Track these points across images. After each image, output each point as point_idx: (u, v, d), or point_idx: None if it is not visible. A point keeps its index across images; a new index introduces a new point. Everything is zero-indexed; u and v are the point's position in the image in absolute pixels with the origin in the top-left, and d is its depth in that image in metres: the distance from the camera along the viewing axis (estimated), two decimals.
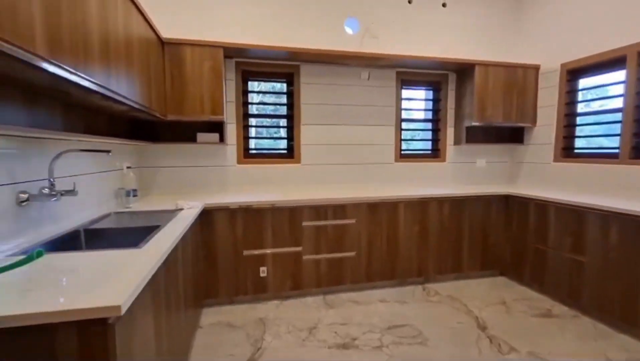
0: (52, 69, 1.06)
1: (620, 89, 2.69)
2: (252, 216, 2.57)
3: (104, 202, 2.12)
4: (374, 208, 2.82)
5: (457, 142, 3.52)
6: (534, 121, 3.38)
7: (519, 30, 3.57)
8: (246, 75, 3.09)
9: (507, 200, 3.11)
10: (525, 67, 3.31)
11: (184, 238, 1.79)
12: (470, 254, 3.11)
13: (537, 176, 3.38)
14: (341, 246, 2.78)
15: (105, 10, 1.48)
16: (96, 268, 1.10)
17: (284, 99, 3.26)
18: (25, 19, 0.95)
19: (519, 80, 3.30)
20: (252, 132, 3.25)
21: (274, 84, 3.32)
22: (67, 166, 1.71)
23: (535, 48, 3.39)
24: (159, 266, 1.21)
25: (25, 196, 1.36)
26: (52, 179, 1.46)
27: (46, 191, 1.46)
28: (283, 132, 3.31)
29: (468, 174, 3.65)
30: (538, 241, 2.81)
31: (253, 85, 3.27)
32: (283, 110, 3.28)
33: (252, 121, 3.23)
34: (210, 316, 2.45)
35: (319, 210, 2.70)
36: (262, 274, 2.63)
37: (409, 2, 3.29)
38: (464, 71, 3.37)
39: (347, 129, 3.30)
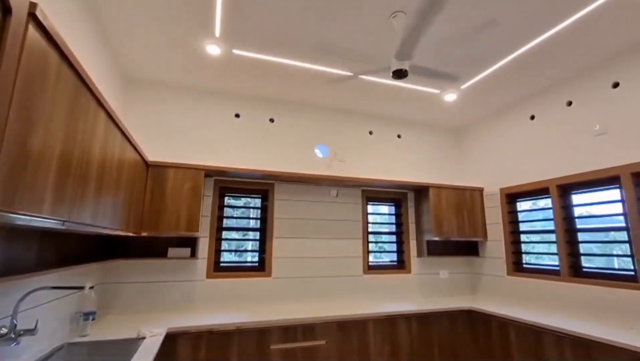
0: (48, 223, 1.16)
1: (550, 213, 3.15)
2: (217, 341, 2.45)
3: (58, 330, 1.97)
4: (343, 327, 2.79)
5: (419, 254, 3.76)
6: (485, 236, 3.75)
7: (463, 158, 4.22)
8: (223, 191, 3.30)
9: (470, 315, 3.22)
10: (471, 190, 3.81)
11: None
12: None
13: (495, 288, 3.59)
14: None
15: (105, 151, 1.66)
16: None
17: (257, 213, 3.44)
18: (42, 184, 1.08)
19: (467, 200, 3.77)
20: (225, 245, 3.31)
21: (249, 199, 3.53)
22: (29, 299, 1.65)
23: (478, 174, 3.98)
24: None
25: None
26: (14, 320, 1.40)
27: (4, 331, 1.39)
28: (255, 246, 3.40)
29: (432, 285, 3.79)
30: (505, 359, 2.85)
31: (229, 200, 3.46)
32: (256, 223, 3.43)
33: (226, 235, 3.31)
34: None
35: (289, 331, 2.64)
36: None
37: (370, 133, 3.88)
38: (420, 191, 3.82)
39: (317, 242, 3.46)
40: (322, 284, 3.38)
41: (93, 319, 2.28)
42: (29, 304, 1.65)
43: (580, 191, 2.97)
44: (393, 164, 3.92)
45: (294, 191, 3.48)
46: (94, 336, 2.10)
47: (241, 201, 3.58)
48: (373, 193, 3.81)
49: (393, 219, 3.96)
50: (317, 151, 3.65)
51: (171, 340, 2.34)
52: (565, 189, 3.05)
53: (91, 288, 2.38)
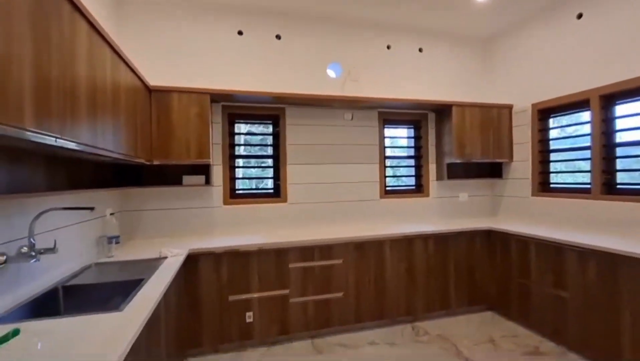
0: (39, 138, 1.09)
1: (587, 128, 2.86)
2: (238, 260, 2.55)
3: (84, 252, 2.07)
4: (360, 248, 2.83)
5: (439, 177, 3.63)
6: (510, 157, 3.54)
7: (491, 72, 3.81)
8: (232, 117, 3.17)
9: (490, 235, 3.19)
10: (499, 107, 3.50)
11: (167, 291, 1.75)
12: (457, 291, 3.12)
13: (517, 209, 3.49)
14: (329, 287, 2.75)
15: (93, 69, 1.53)
16: (75, 341, 1.07)
17: (269, 140, 3.33)
18: (15, 91, 0.98)
19: (494, 119, 3.48)
20: (239, 173, 3.28)
21: (260, 125, 3.40)
22: (47, 221, 1.68)
23: (507, 89, 3.61)
24: (140, 331, 1.19)
25: (2, 258, 1.33)
26: (32, 239, 1.43)
27: (25, 250, 1.43)
28: (269, 172, 3.36)
29: (451, 208, 3.74)
30: (522, 276, 2.86)
31: (239, 127, 3.34)
32: (269, 150, 3.34)
33: (239, 162, 3.27)
34: None
35: (306, 251, 2.70)
36: (248, 320, 2.57)
37: (388, 47, 3.50)
38: (442, 110, 3.54)
39: (333, 167, 3.37)
40: (339, 210, 3.38)
41: (117, 242, 2.38)
42: (49, 226, 1.69)
43: (625, 100, 2.63)
44: (413, 83, 3.59)
45: (306, 115, 3.30)
46: (118, 257, 2.20)
47: (251, 128, 3.46)
48: (390, 114, 3.58)
49: (412, 142, 3.77)
50: (329, 70, 3.36)
51: (193, 260, 2.44)
52: (608, 100, 2.71)
53: (112, 214, 2.45)
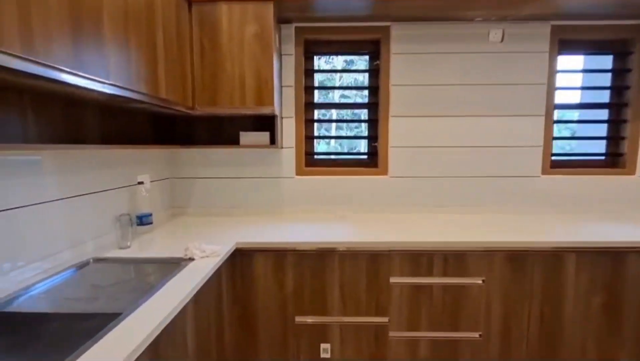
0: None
1: None
2: (310, 263, 1.63)
3: (86, 239, 1.40)
4: (514, 260, 1.62)
5: None
6: None
7: None
8: (311, 47, 2.15)
9: None
10: None
11: (199, 295, 0.93)
12: None
13: None
14: (456, 321, 1.65)
15: None
16: None
17: (364, 80, 2.24)
18: None
19: None
20: (320, 130, 2.31)
21: (351, 58, 2.31)
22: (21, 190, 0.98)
23: None
24: None
25: None
26: None
27: None
28: (362, 130, 2.30)
29: None
30: None
31: (319, 63, 2.32)
32: (363, 96, 2.26)
33: (319, 114, 2.29)
34: None
35: (419, 259, 1.62)
36: (323, 355, 1.68)
37: None
38: None
39: (464, 122, 2.12)
40: (470, 190, 2.16)
41: (148, 223, 1.69)
42: (24, 198, 0.99)
43: None
44: None
45: (423, 37, 2.07)
46: (135, 248, 1.48)
47: (338, 62, 2.39)
48: (574, 30, 2.07)
49: (607, 80, 2.20)
50: None
51: (245, 255, 1.61)
52: None
53: (140, 183, 1.75)
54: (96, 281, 1.19)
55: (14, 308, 0.95)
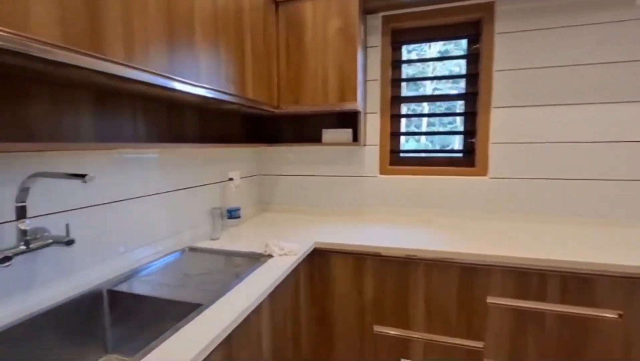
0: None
1: None
2: (392, 270, 1.50)
3: (186, 229, 1.54)
4: None
5: None
6: None
7: None
8: (398, 37, 2.00)
9: None
10: None
11: (274, 293, 0.94)
12: None
13: None
14: (577, 357, 1.33)
15: None
16: None
17: (460, 67, 1.98)
18: None
19: None
20: (408, 126, 2.14)
21: (446, 48, 2.07)
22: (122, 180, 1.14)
23: None
24: None
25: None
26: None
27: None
28: (457, 124, 2.05)
29: None
30: None
31: (410, 54, 2.13)
32: (460, 86, 2.01)
33: (407, 108, 2.12)
34: None
35: (527, 278, 1.34)
36: None
37: None
38: None
39: (579, 111, 1.70)
40: (599, 195, 1.72)
41: (237, 217, 1.79)
42: (131, 190, 1.15)
43: None
44: None
45: (537, 11, 1.72)
46: (224, 240, 1.58)
47: (431, 50, 2.17)
48: None
49: None
50: None
51: (322, 256, 1.58)
52: None
53: (230, 179, 1.87)
54: (188, 269, 1.29)
55: (122, 287, 1.08)
